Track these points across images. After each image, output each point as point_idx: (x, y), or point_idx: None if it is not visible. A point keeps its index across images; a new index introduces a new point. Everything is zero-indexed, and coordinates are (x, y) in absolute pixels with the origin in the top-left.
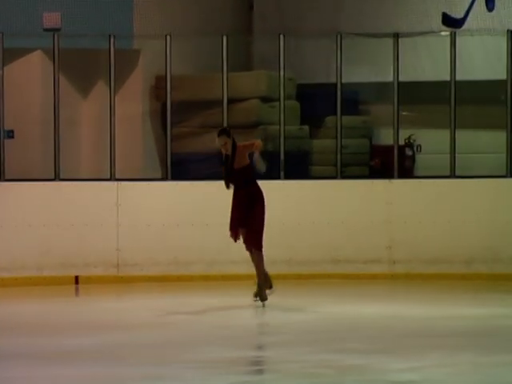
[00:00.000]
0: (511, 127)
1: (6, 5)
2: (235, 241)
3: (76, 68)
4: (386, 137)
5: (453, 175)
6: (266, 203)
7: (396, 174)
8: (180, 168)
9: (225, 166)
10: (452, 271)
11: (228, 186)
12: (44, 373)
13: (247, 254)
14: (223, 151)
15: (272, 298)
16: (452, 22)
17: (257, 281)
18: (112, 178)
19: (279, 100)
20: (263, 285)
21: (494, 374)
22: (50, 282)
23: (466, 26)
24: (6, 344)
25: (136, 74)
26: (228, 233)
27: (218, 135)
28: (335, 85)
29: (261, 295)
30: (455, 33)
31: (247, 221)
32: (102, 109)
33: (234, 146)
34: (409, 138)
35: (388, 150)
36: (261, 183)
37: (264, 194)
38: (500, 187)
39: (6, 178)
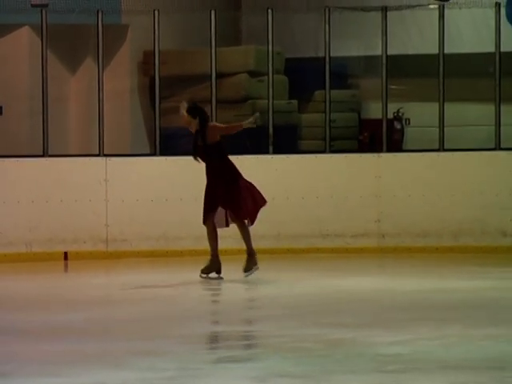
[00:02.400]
0: (499, 100)
1: None
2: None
3: (64, 44)
4: (374, 110)
5: (441, 148)
6: (236, 178)
7: (385, 147)
8: (168, 143)
9: (193, 141)
10: (440, 244)
11: (197, 160)
12: (32, 348)
13: (236, 228)
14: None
15: (260, 273)
16: None
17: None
18: (100, 153)
19: (268, 74)
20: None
21: (483, 347)
22: (38, 258)
23: None
24: None
25: (124, 50)
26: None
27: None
28: (324, 59)
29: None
30: (443, 6)
31: (224, 199)
32: (90, 84)
33: (204, 123)
34: (397, 111)
35: (377, 123)
36: (250, 157)
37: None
38: (489, 160)
39: None
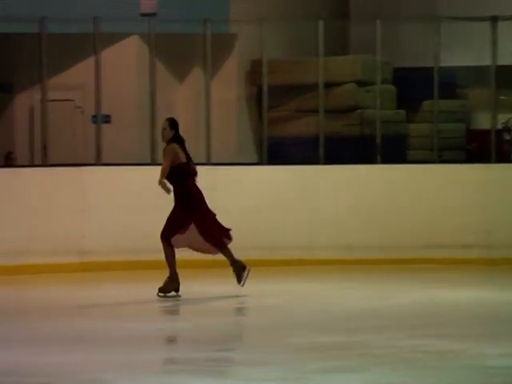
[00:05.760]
0: None
1: None
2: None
3: (172, 53)
4: (483, 121)
5: None
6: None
7: (493, 158)
8: (276, 152)
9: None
10: None
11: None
12: (132, 357)
13: (343, 240)
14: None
15: (368, 283)
16: None
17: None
18: (208, 162)
19: (376, 84)
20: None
21: None
22: (148, 266)
23: None
24: (96, 328)
25: (232, 59)
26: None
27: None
28: (432, 69)
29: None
30: None
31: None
32: (197, 93)
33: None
34: (507, 122)
35: (485, 134)
36: (358, 167)
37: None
38: None
39: (103, 162)
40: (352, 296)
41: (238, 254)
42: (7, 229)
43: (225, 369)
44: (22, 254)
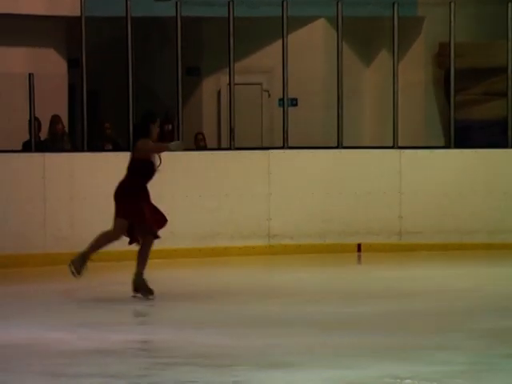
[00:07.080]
0: None
1: None
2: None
3: (359, 36)
4: None
5: None
6: None
7: None
8: (463, 135)
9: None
10: None
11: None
12: (323, 341)
13: None
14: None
15: None
16: None
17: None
18: (395, 145)
19: None
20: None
21: None
22: (332, 250)
23: None
24: (286, 311)
25: (419, 42)
26: None
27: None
28: None
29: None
30: None
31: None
32: (384, 77)
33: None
34: None
35: None
36: None
37: None
38: None
39: (290, 145)
40: None
41: (421, 238)
42: (195, 212)
43: (414, 352)
44: (212, 238)
